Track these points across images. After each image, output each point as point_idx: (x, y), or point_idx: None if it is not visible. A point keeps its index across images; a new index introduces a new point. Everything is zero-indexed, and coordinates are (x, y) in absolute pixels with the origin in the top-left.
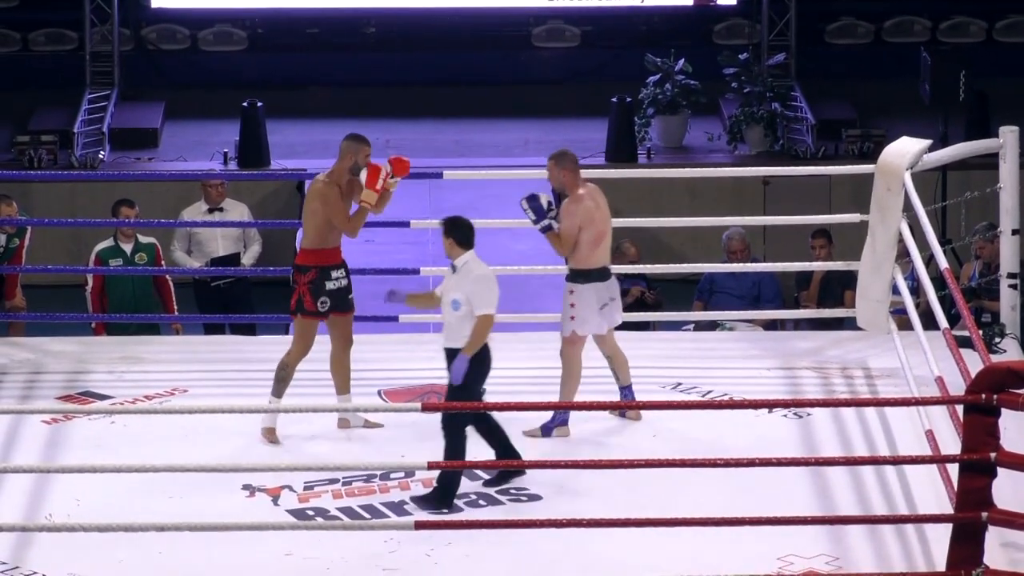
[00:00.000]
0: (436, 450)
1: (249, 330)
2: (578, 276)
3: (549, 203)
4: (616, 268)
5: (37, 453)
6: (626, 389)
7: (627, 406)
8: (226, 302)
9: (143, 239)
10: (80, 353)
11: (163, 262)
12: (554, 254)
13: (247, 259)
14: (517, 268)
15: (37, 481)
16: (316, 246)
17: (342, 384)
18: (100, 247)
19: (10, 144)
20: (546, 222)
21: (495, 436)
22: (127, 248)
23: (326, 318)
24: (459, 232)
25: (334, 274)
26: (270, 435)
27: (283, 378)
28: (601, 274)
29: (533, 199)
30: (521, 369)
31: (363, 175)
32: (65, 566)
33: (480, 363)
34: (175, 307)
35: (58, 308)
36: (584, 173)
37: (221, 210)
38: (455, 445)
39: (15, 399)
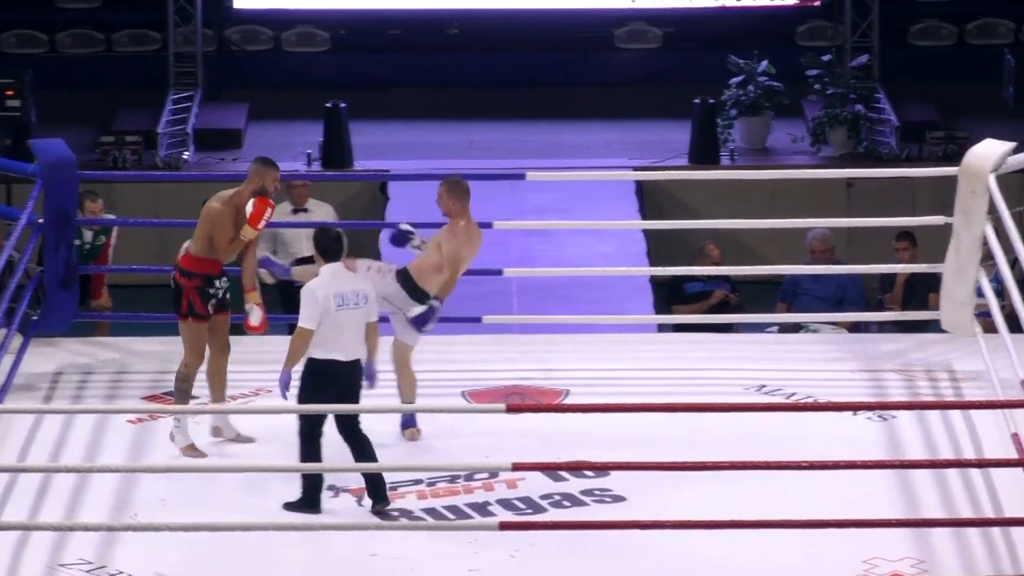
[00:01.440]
0: (520, 451)
1: None
2: (427, 296)
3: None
4: (699, 270)
5: (123, 453)
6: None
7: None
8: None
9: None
10: (165, 353)
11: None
12: (639, 256)
13: None
14: (602, 269)
15: (123, 481)
16: (204, 255)
17: (220, 394)
18: (187, 244)
19: (94, 145)
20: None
21: (364, 450)
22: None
23: (209, 320)
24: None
25: (217, 283)
26: (191, 450)
27: (186, 390)
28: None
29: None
30: (605, 370)
31: (249, 206)
32: (151, 565)
33: (311, 378)
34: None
35: (143, 308)
36: (666, 175)
37: (306, 211)
38: (308, 454)
39: (101, 399)
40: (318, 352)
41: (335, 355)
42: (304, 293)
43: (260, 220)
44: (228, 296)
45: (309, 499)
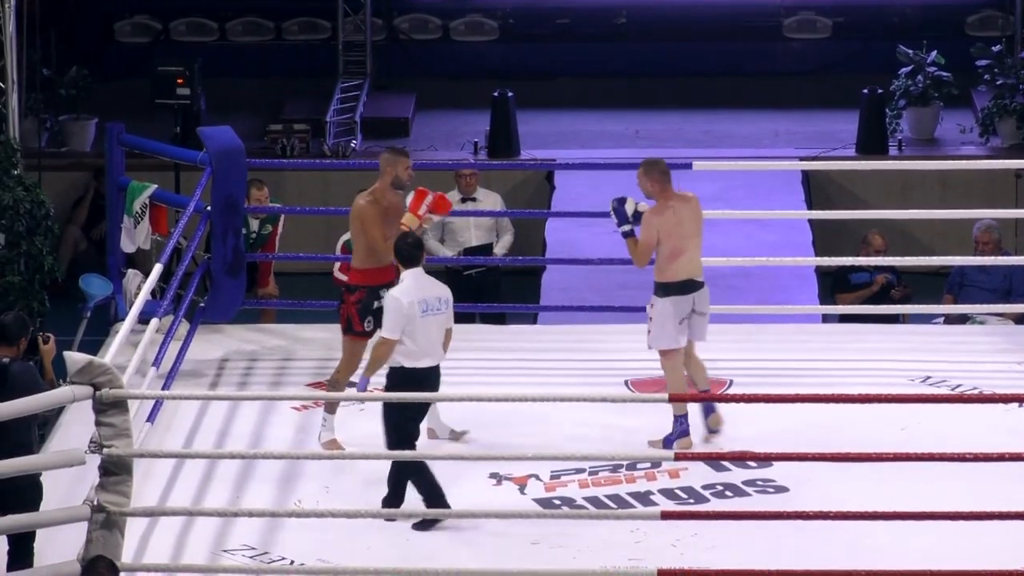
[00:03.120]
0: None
1: (499, 319)
2: (658, 289)
3: (636, 210)
4: (861, 260)
5: (287, 439)
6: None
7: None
8: (478, 291)
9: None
10: (329, 340)
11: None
12: (804, 246)
13: (499, 249)
14: (767, 259)
15: (287, 467)
16: (365, 265)
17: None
18: (345, 237)
19: (263, 132)
20: (627, 227)
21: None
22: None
23: (371, 336)
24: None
25: (382, 293)
26: (333, 445)
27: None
28: (682, 287)
29: (620, 202)
30: (769, 361)
31: (409, 197)
32: (314, 552)
33: (400, 387)
34: None
35: (310, 296)
36: (833, 165)
37: (474, 200)
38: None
39: (266, 386)
40: (406, 360)
41: (422, 362)
42: (388, 301)
43: (420, 206)
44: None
45: (395, 495)
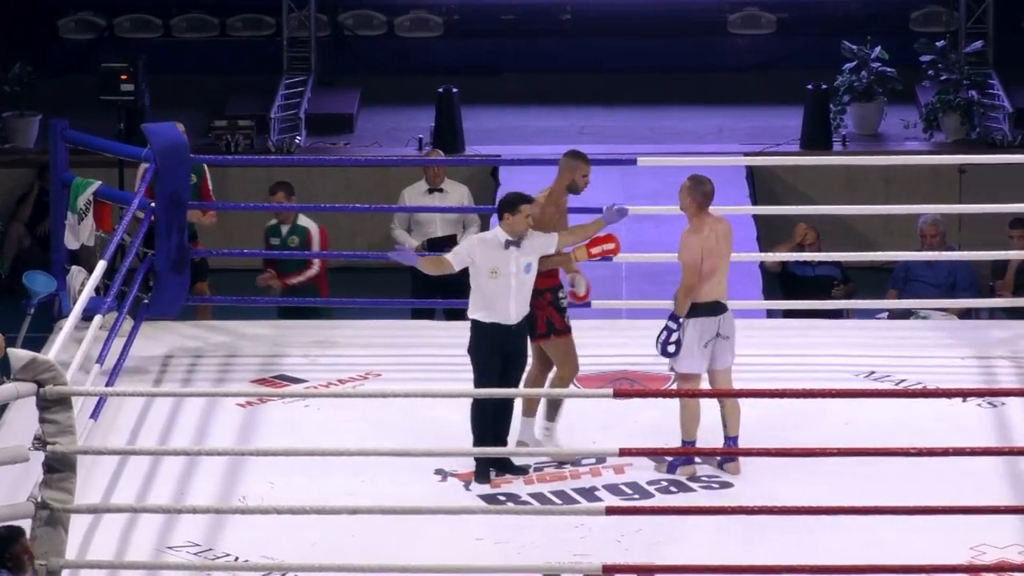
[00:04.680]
0: (628, 436)
1: (462, 315)
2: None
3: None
4: (806, 256)
5: (232, 436)
6: (731, 440)
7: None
8: (441, 285)
9: (300, 222)
10: (274, 337)
11: (313, 245)
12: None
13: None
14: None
15: (231, 464)
16: (547, 266)
17: (530, 407)
18: (268, 223)
19: (207, 129)
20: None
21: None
22: (284, 229)
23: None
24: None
25: (561, 293)
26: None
27: (557, 402)
28: (710, 309)
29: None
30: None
31: (596, 242)
32: (258, 548)
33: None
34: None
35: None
36: (777, 160)
37: (441, 191)
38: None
39: (211, 382)
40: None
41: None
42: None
43: (597, 248)
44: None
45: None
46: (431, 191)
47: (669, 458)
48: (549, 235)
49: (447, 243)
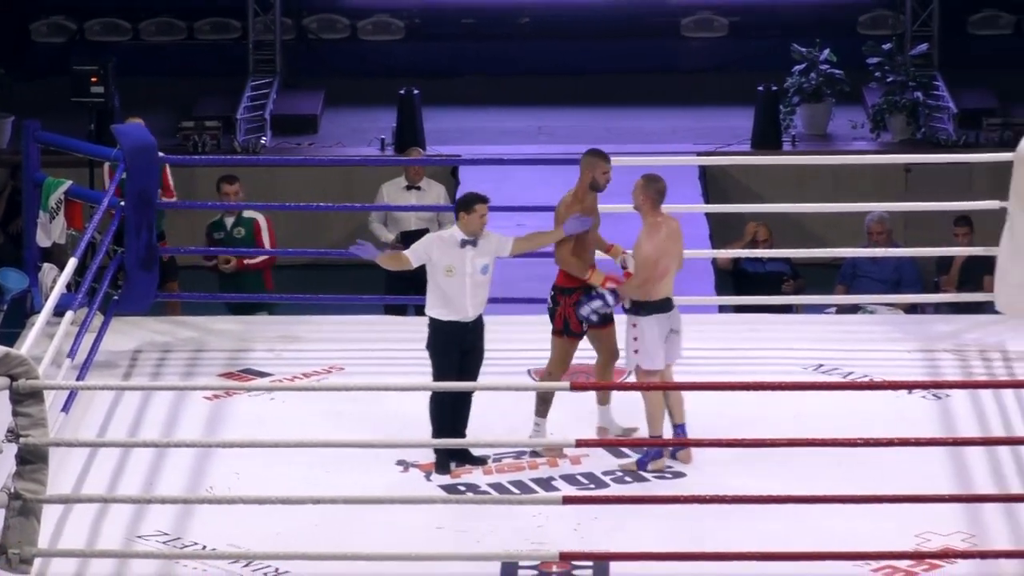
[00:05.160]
0: (585, 428)
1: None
2: (640, 308)
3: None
4: (756, 252)
5: (199, 428)
6: (679, 428)
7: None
8: (415, 282)
9: (246, 214)
10: (241, 332)
11: (263, 238)
12: (702, 239)
13: None
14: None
15: (199, 455)
16: (572, 270)
17: (604, 395)
18: (211, 220)
19: (175, 130)
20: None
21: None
22: (229, 221)
23: (582, 338)
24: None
25: (593, 293)
26: (554, 453)
27: (547, 398)
28: (662, 306)
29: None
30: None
31: (614, 271)
32: (224, 537)
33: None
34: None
35: (214, 289)
36: (729, 160)
37: (419, 188)
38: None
39: (179, 376)
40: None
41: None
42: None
43: (607, 280)
44: (613, 310)
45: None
46: (409, 188)
47: (637, 455)
48: (505, 237)
49: (417, 236)
